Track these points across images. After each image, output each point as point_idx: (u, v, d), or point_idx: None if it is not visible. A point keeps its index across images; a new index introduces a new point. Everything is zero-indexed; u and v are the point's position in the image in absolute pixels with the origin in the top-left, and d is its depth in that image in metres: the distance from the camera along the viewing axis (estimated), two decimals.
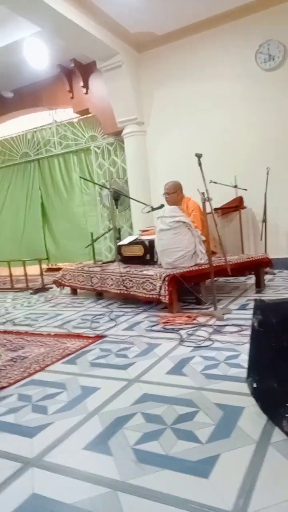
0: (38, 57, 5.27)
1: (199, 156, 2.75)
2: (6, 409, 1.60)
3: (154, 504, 0.96)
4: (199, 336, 2.33)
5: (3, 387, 1.83)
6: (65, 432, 1.35)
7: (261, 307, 1.26)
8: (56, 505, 0.99)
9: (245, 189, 4.57)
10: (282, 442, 1.16)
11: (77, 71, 5.91)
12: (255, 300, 1.32)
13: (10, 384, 1.86)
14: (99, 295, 4.05)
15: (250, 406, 1.39)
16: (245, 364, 1.79)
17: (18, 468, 1.17)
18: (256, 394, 1.36)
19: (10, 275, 5.38)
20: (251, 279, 4.14)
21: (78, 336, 2.61)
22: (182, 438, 1.24)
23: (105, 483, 1.06)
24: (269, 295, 3.37)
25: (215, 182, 4.11)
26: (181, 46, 5.25)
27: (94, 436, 1.30)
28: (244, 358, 1.88)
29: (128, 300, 3.61)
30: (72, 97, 6.12)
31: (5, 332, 2.92)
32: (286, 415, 1.13)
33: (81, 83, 5.93)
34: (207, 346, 2.13)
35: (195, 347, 2.14)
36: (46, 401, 1.63)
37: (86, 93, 5.98)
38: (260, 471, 1.04)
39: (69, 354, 2.23)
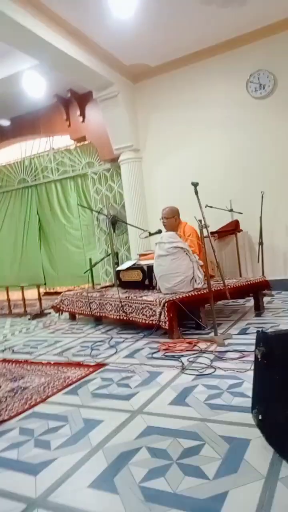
0: (35, 88, 5.44)
1: (195, 184, 2.81)
2: (8, 444, 1.57)
3: None
4: (200, 363, 2.32)
5: (4, 420, 1.80)
6: (70, 469, 1.33)
7: (264, 339, 1.27)
8: None
9: (241, 213, 4.64)
10: None
11: (73, 100, 6.08)
12: (258, 332, 1.33)
13: (11, 417, 1.83)
14: (98, 320, 4.03)
15: (257, 438, 1.38)
16: (249, 393, 1.79)
17: (22, 509, 1.15)
18: (262, 426, 1.35)
19: (8, 300, 5.35)
20: (250, 302, 4.15)
21: (78, 364, 2.59)
22: (189, 474, 1.22)
23: None
24: (269, 318, 3.37)
25: (211, 207, 4.18)
26: (175, 76, 5.44)
27: (99, 473, 1.28)
28: (247, 387, 1.88)
29: (128, 325, 3.60)
30: (69, 125, 6.27)
31: (5, 360, 2.89)
32: None
33: (78, 112, 6.09)
34: (209, 374, 2.12)
35: (197, 375, 2.13)
36: (49, 435, 1.61)
37: (83, 121, 6.13)
38: (270, 509, 1.03)
39: (70, 384, 2.21)
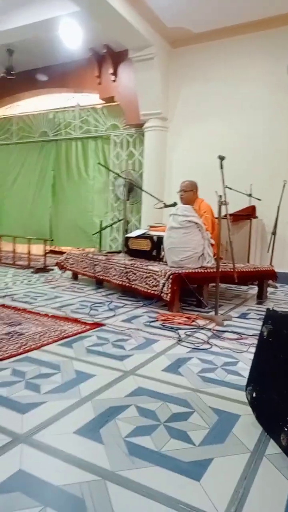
0: (71, 37, 5.22)
1: (221, 158, 2.72)
2: None
3: (143, 499, 0.94)
4: (197, 338, 2.31)
5: None
6: (57, 414, 1.33)
7: (273, 317, 1.23)
8: (43, 485, 0.98)
9: (259, 199, 4.54)
10: (277, 455, 1.14)
11: (108, 57, 5.85)
12: (268, 309, 1.30)
13: (4, 358, 1.84)
14: (99, 283, 4.02)
15: (246, 415, 1.37)
16: (243, 372, 1.79)
17: (6, 442, 1.15)
18: (254, 404, 1.34)
19: (14, 251, 5.35)
20: (253, 290, 4.12)
21: (76, 320, 2.59)
22: (175, 437, 1.22)
23: (94, 471, 1.04)
24: (270, 308, 3.34)
25: (230, 188, 4.04)
26: (214, 47, 5.20)
27: (86, 422, 1.28)
28: (242, 367, 1.87)
29: (128, 293, 3.59)
30: (99, 83, 6.07)
31: (4, 306, 2.90)
32: (285, 429, 1.11)
33: (111, 70, 5.88)
34: (205, 349, 2.11)
35: (193, 348, 2.12)
36: (40, 379, 1.61)
37: (114, 81, 5.92)
38: (253, 482, 1.02)
39: (65, 337, 2.21)
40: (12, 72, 6.15)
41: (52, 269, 4.99)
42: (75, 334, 2.27)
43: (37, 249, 6.45)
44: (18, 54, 6.13)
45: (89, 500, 0.92)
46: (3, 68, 6.20)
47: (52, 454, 1.11)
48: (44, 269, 4.93)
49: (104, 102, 6.35)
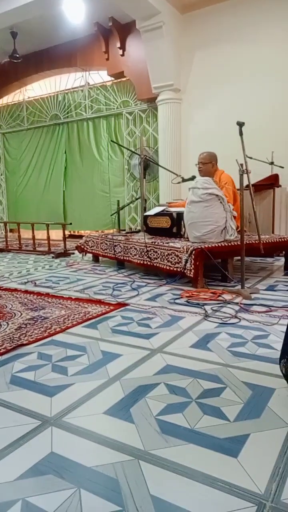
0: (76, 12, 5.03)
1: (241, 124, 2.57)
2: (25, 366, 1.57)
3: (178, 477, 0.91)
4: (224, 313, 2.24)
5: (23, 344, 1.81)
6: (85, 395, 1.31)
7: None
8: (75, 466, 0.95)
9: (282, 167, 4.34)
10: None
11: (114, 30, 5.64)
12: None
13: (30, 342, 1.84)
14: (121, 264, 3.99)
15: (282, 388, 1.31)
16: (275, 345, 1.71)
17: (36, 425, 1.14)
18: None
19: (33, 237, 5.38)
20: (279, 261, 3.99)
21: (99, 302, 2.57)
22: (208, 414, 1.17)
23: (127, 451, 1.01)
24: None
25: (250, 157, 3.87)
26: (227, 7, 4.90)
27: (115, 402, 1.25)
28: (273, 339, 1.79)
29: (151, 271, 3.54)
30: (107, 59, 5.88)
31: (26, 291, 2.91)
32: None
33: (118, 44, 5.67)
34: (233, 323, 2.05)
35: (220, 323, 2.06)
36: (67, 362, 1.59)
37: (123, 55, 5.72)
38: None
39: (90, 319, 2.19)
40: (17, 56, 6.03)
41: (73, 253, 4.99)
42: (99, 315, 2.25)
43: (56, 234, 6.47)
44: (22, 36, 5.99)
45: (124, 481, 0.89)
46: (8, 52, 6.08)
47: (82, 435, 1.08)
48: (64, 254, 4.93)
49: (113, 78, 6.18)
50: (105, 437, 1.07)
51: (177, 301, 2.53)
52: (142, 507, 0.81)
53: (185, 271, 2.90)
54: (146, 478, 0.90)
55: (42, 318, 2.23)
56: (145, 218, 3.92)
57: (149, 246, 3.29)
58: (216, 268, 3.04)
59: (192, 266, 2.85)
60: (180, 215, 3.58)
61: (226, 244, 3.01)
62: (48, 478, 0.91)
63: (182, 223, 3.51)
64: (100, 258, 4.31)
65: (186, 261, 2.89)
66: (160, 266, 3.18)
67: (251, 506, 0.81)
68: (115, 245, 3.77)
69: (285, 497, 0.84)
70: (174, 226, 3.65)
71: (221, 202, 3.05)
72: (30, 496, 0.86)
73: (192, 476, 0.91)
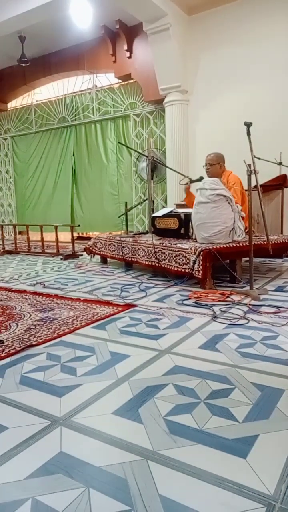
0: (83, 15, 5.07)
1: (248, 125, 2.57)
2: (35, 366, 1.58)
3: (187, 478, 0.90)
4: (233, 313, 2.24)
5: (32, 345, 1.82)
6: (94, 395, 1.31)
7: None
8: (84, 466, 0.96)
9: None
10: None
11: (121, 33, 5.66)
12: None
13: (39, 343, 1.85)
14: (129, 266, 4.00)
15: None
16: (284, 346, 1.70)
17: (46, 425, 1.15)
18: None
19: (42, 239, 5.42)
20: None
21: (107, 303, 2.58)
22: (217, 414, 1.17)
23: (135, 451, 1.01)
24: None
25: (258, 158, 3.84)
26: (234, 8, 4.88)
27: (124, 403, 1.26)
28: (282, 340, 1.78)
29: (159, 272, 3.54)
30: (114, 61, 5.91)
31: (35, 293, 2.93)
32: None
33: (125, 47, 5.69)
34: (242, 324, 2.04)
35: (229, 324, 2.05)
36: (76, 362, 1.60)
37: (130, 57, 5.74)
38: None
39: (98, 320, 2.20)
40: (25, 60, 6.10)
41: (81, 255, 5.01)
42: (108, 316, 2.26)
43: (64, 236, 6.51)
44: (30, 41, 6.05)
45: (132, 480, 0.90)
46: (17, 56, 6.15)
47: (91, 435, 1.09)
48: (73, 255, 4.96)
49: (120, 80, 6.20)
50: (113, 437, 1.07)
51: (185, 302, 2.53)
52: (150, 507, 0.82)
53: (193, 272, 2.90)
54: (155, 478, 0.90)
55: (51, 319, 2.25)
56: (153, 219, 3.92)
57: (157, 247, 3.29)
58: (224, 269, 3.03)
59: (200, 267, 2.84)
60: (188, 216, 3.57)
61: (234, 245, 2.99)
62: (57, 477, 0.92)
63: (190, 224, 3.51)
64: (108, 259, 4.32)
65: (194, 262, 2.88)
66: (168, 267, 3.18)
67: (260, 507, 0.81)
68: (123, 247, 3.78)
69: None
70: (182, 227, 3.65)
71: (229, 203, 3.04)
72: (39, 495, 0.86)
73: (200, 476, 0.91)
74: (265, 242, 2.83)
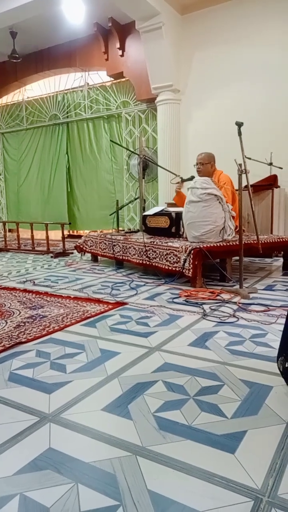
0: (75, 12, 5.04)
1: (239, 124, 2.59)
2: (24, 363, 1.57)
3: (176, 473, 0.91)
4: (223, 312, 2.25)
5: (22, 342, 1.81)
6: (84, 392, 1.31)
7: None
8: (73, 462, 0.95)
9: (281, 168, 4.35)
10: None
11: (114, 31, 5.65)
12: None
13: (28, 340, 1.84)
14: (120, 264, 3.99)
15: (279, 385, 1.31)
16: (273, 344, 1.72)
17: (35, 421, 1.14)
18: (287, 374, 1.28)
19: (32, 237, 5.38)
20: (277, 261, 4.01)
21: (98, 301, 2.57)
22: (206, 411, 1.18)
23: (125, 447, 1.01)
24: None
25: (249, 158, 3.88)
26: (225, 9, 4.91)
27: (114, 399, 1.26)
28: (271, 338, 1.80)
29: (149, 271, 3.54)
30: (106, 59, 5.89)
31: (25, 290, 2.91)
32: None
33: (117, 45, 5.68)
34: (231, 322, 2.05)
35: (218, 322, 2.06)
36: (65, 359, 1.60)
37: (122, 55, 5.73)
38: None
39: (88, 318, 2.19)
40: (16, 56, 6.04)
41: (72, 253, 4.99)
42: (98, 314, 2.25)
43: (56, 234, 6.47)
44: (22, 36, 6.00)
45: (121, 476, 0.90)
46: (8, 52, 6.09)
47: (80, 431, 1.09)
48: (63, 253, 4.93)
49: (112, 79, 6.19)
50: (103, 433, 1.07)
51: (175, 300, 2.54)
52: (139, 502, 0.82)
53: (183, 270, 2.91)
54: (144, 473, 0.91)
55: (41, 316, 2.23)
56: (144, 218, 3.93)
57: (148, 246, 3.30)
58: (214, 268, 3.05)
59: (191, 265, 2.85)
60: (179, 215, 3.59)
61: (225, 244, 3.01)
62: (46, 473, 0.92)
63: (181, 223, 3.52)
64: (99, 257, 4.32)
65: (185, 261, 2.89)
66: (158, 265, 3.18)
67: (248, 501, 0.82)
68: (114, 245, 3.77)
69: (281, 492, 0.84)
70: (173, 225, 3.66)
71: (219, 202, 3.06)
72: (28, 490, 0.86)
73: (189, 471, 0.91)
74: (255, 242, 2.86)
